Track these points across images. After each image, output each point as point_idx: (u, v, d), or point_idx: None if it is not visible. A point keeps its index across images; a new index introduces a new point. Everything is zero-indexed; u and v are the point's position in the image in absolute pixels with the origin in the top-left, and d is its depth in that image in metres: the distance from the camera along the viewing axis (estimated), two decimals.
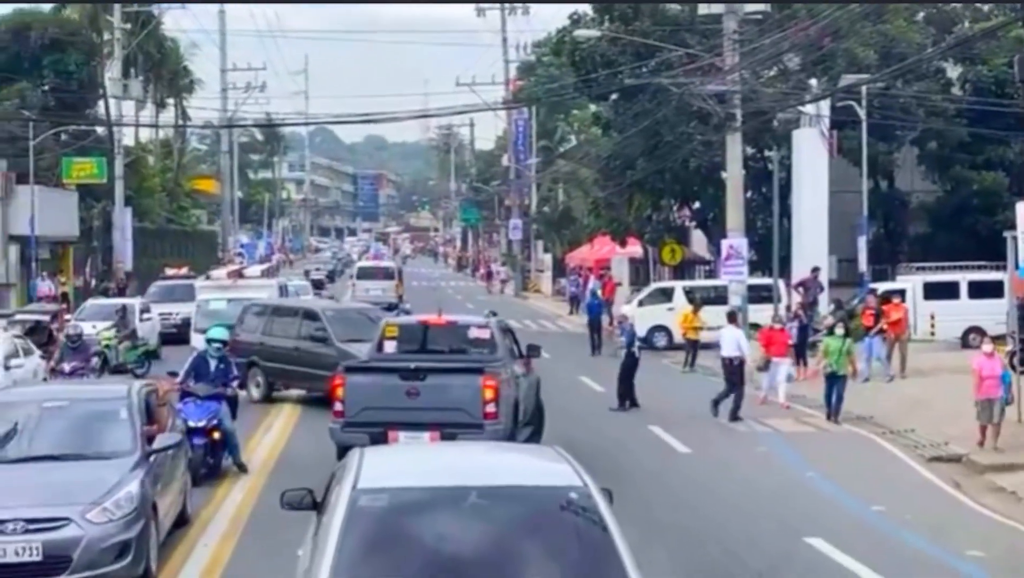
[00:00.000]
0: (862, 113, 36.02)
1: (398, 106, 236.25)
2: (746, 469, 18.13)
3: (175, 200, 74.04)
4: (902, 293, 34.94)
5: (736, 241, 32.89)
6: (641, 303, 39.21)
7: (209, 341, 17.63)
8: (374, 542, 6.95)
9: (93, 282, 54.69)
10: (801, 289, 34.09)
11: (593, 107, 58.15)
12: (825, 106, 34.79)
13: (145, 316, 32.12)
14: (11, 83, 53.82)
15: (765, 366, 24.78)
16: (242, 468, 16.85)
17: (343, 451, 12.83)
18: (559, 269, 68.92)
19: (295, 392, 25.04)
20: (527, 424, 17.96)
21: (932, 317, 35.48)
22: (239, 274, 37.50)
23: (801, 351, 28.87)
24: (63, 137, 53.49)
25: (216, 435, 16.12)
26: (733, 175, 34.00)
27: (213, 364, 16.94)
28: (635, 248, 51.96)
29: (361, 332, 24.10)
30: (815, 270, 33.93)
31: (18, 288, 45.91)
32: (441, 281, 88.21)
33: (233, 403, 17.08)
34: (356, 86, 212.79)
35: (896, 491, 16.50)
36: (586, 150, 62.29)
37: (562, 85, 50.88)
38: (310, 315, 25.18)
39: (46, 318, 28.22)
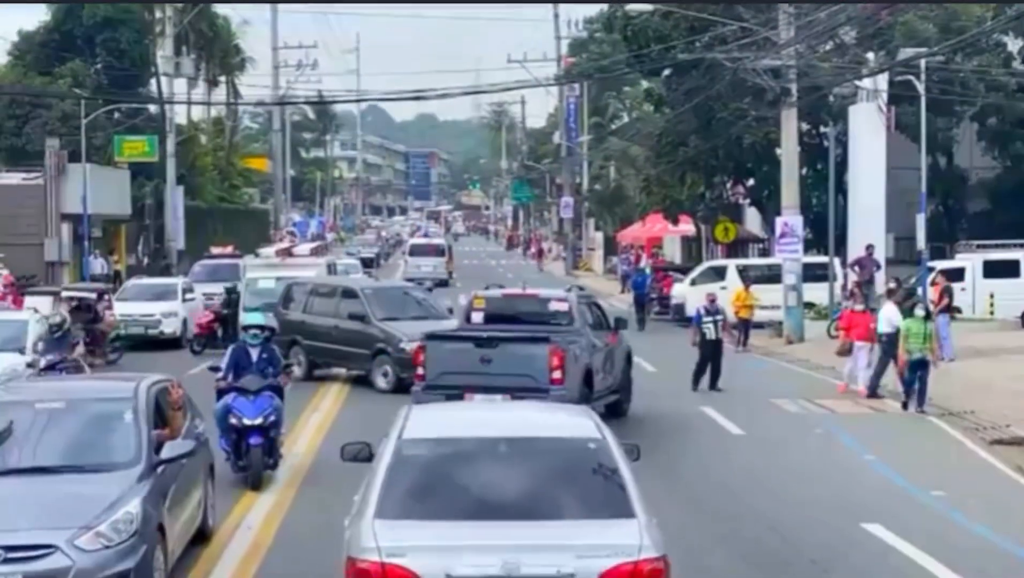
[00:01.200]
0: (921, 88, 35.07)
1: (449, 83, 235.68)
2: (801, 452, 17.62)
3: (227, 179, 73.60)
4: (961, 272, 34.30)
5: (791, 219, 32.25)
6: (694, 282, 38.69)
7: (246, 328, 16.12)
8: (415, 483, 8.06)
9: (145, 260, 54.79)
10: (857, 268, 33.44)
11: (645, 84, 57.48)
12: (883, 80, 34.00)
13: (188, 296, 31.34)
14: (64, 62, 53.58)
15: (847, 351, 23.29)
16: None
17: None
18: (610, 248, 68.30)
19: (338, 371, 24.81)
20: (614, 392, 19.60)
21: (991, 296, 34.79)
22: (288, 252, 37.04)
23: None
24: (116, 116, 53.29)
25: (272, 433, 14.82)
26: (788, 151, 33.32)
27: (255, 353, 15.38)
28: (687, 226, 51.35)
29: (401, 310, 24.02)
30: (869, 248, 33.25)
31: (71, 266, 45.80)
32: (491, 259, 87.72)
33: (280, 394, 15.55)
34: (408, 64, 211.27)
35: (957, 475, 15.92)
36: (638, 127, 61.57)
37: (614, 61, 50.17)
38: (349, 293, 24.88)
39: (92, 296, 27.10)
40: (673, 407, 21.37)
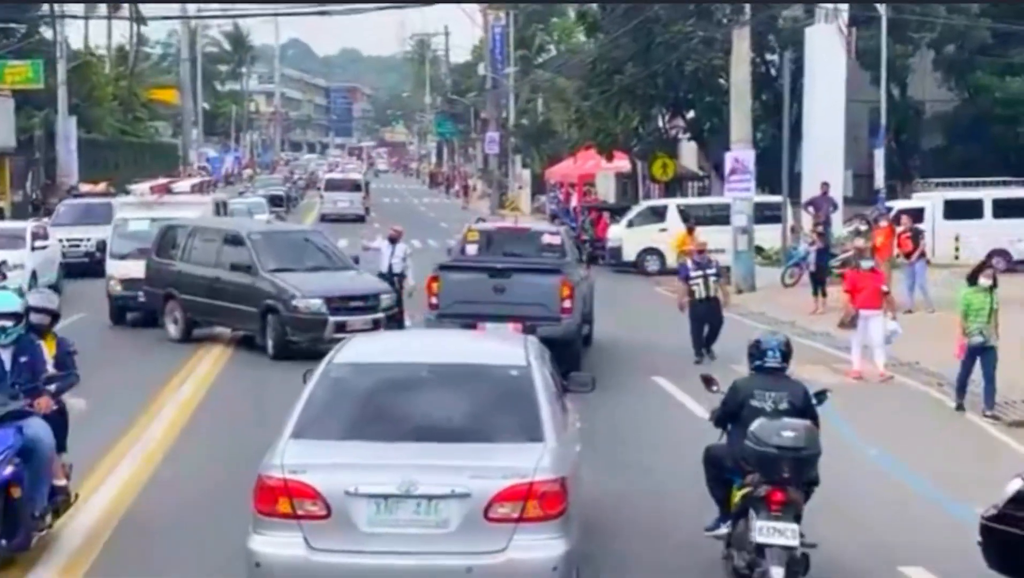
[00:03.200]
0: (882, 8, 31.78)
1: (374, 15, 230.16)
2: None
3: (131, 111, 69.00)
4: (920, 213, 31.28)
5: (742, 153, 28.66)
6: (631, 223, 35.34)
7: None
8: (332, 405, 8.21)
9: (35, 196, 50.22)
10: (812, 209, 30.10)
11: (573, 13, 53.88)
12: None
13: (38, 244, 25.92)
14: None
15: (852, 322, 18.19)
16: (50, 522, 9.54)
17: None
18: (538, 185, 65.02)
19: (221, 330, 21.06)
20: (587, 322, 19.69)
21: (957, 239, 31.72)
22: (166, 189, 32.33)
23: (821, 279, 24.87)
24: (3, 41, 48.86)
25: (15, 492, 8.77)
26: (739, 78, 29.50)
27: (6, 357, 9.29)
28: (622, 163, 47.78)
29: (297, 260, 20.28)
30: (825, 186, 29.93)
31: None
32: (414, 197, 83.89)
33: (60, 421, 9.58)
34: None
35: (994, 481, 12.40)
36: (567, 59, 58.17)
37: None
38: (234, 239, 20.68)
39: None
40: (618, 381, 17.48)
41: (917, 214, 30.40)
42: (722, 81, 35.04)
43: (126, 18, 66.77)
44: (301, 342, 18.71)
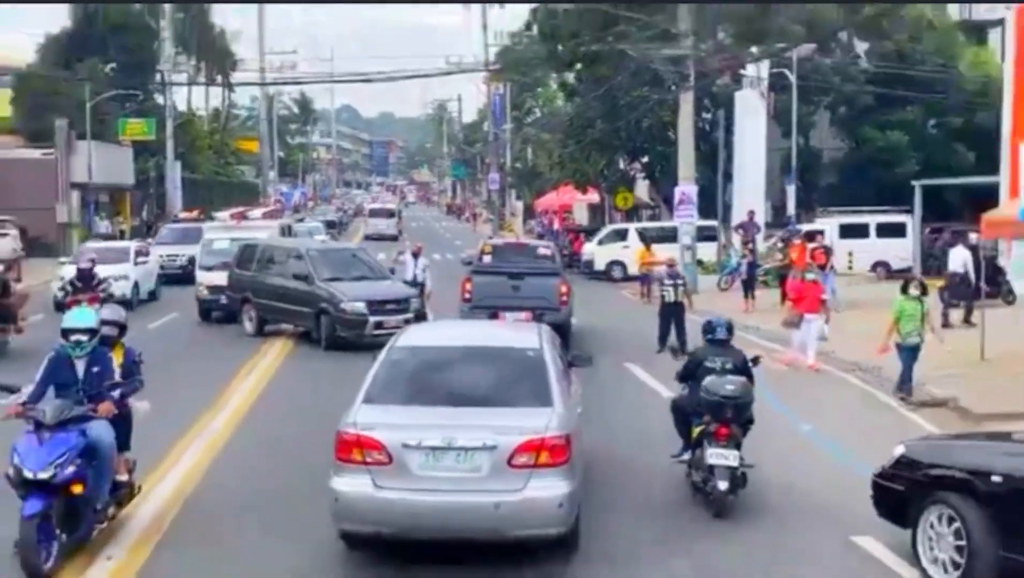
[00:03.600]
0: (793, 78, 30.50)
1: (402, 84, 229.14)
2: None
3: (222, 157, 67.46)
4: (820, 233, 30.09)
5: (687, 188, 27.38)
6: (600, 242, 34.14)
7: (65, 333, 7.88)
8: (394, 378, 7.98)
9: (148, 221, 48.99)
10: (741, 230, 28.87)
11: (555, 85, 52.49)
12: (764, 70, 29.17)
13: (140, 259, 24.62)
14: (81, 60, 47.53)
15: (796, 323, 16.46)
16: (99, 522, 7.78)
17: None
18: (529, 213, 63.74)
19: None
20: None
21: (850, 254, 30.53)
22: (242, 216, 31.00)
23: (750, 285, 23.65)
24: (126, 105, 47.66)
25: (77, 490, 7.32)
26: (684, 131, 28.22)
27: (81, 366, 7.81)
28: (593, 196, 46.48)
29: (345, 271, 19.01)
30: (751, 213, 28.70)
31: (80, 227, 40.43)
32: (435, 222, 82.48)
33: (123, 423, 8.10)
34: (372, 67, 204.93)
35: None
36: (549, 119, 56.90)
37: (535, 55, 44.56)
38: (296, 255, 19.44)
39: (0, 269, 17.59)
40: (596, 364, 16.22)
41: (819, 235, 29.26)
42: (670, 134, 33.80)
43: (219, 84, 65.39)
44: (347, 337, 17.54)
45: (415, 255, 21.30)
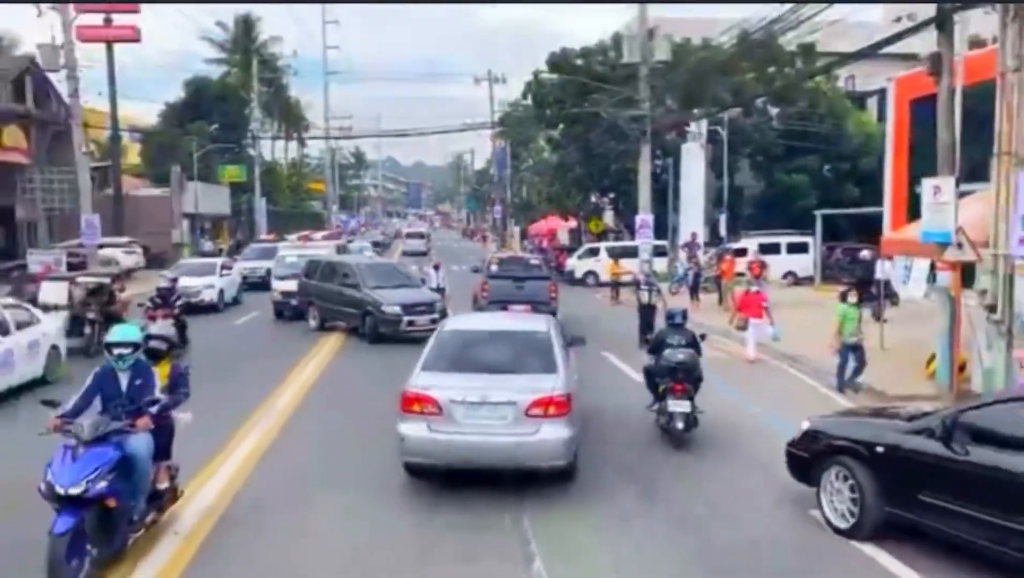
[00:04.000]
0: (724, 134, 29.58)
1: (430, 139, 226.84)
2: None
3: (297, 194, 66.73)
4: (745, 250, 29.12)
5: (646, 216, 26.32)
6: (579, 257, 33.25)
7: (109, 347, 6.13)
8: (444, 352, 8.01)
9: (240, 242, 48.02)
10: (686, 248, 27.93)
11: (543, 141, 51.49)
12: (703, 128, 28.21)
13: (224, 272, 23.29)
14: (192, 121, 46.80)
15: (744, 326, 15.25)
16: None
17: None
18: (524, 235, 62.85)
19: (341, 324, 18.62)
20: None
21: (766, 267, 29.42)
22: (308, 238, 30.02)
23: (695, 290, 22.68)
24: (225, 156, 46.91)
25: (111, 504, 5.67)
26: (644, 172, 27.12)
27: (124, 379, 6.14)
28: (573, 222, 45.51)
29: (386, 280, 18.01)
30: (693, 234, 27.82)
31: (189, 246, 39.59)
32: (454, 243, 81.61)
33: (165, 433, 6.45)
34: (409, 125, 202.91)
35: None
36: (538, 166, 56.01)
37: (529, 117, 43.55)
38: (347, 268, 18.45)
39: (107, 280, 16.47)
40: (578, 353, 15.22)
41: (744, 251, 28.32)
42: (632, 176, 32.82)
43: (295, 139, 64.63)
44: (386, 332, 16.57)
45: (436, 268, 20.58)
